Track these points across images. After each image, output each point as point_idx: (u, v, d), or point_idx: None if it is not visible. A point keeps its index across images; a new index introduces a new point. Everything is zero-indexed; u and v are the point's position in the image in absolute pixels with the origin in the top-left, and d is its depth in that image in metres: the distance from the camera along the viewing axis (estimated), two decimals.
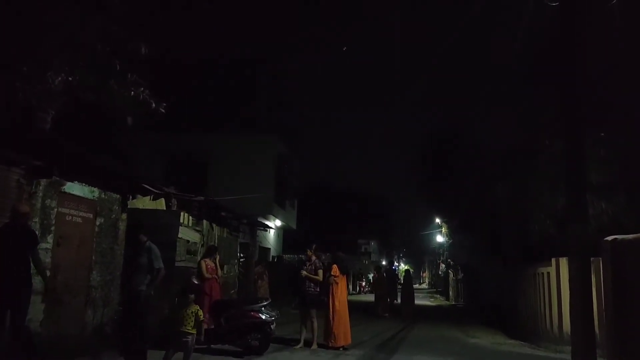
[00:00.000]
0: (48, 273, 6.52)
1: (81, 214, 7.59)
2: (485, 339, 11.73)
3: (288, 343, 9.20)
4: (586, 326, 5.62)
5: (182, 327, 6.08)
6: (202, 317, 6.28)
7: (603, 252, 5.13)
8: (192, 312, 6.16)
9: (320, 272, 9.25)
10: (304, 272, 9.21)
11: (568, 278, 6.18)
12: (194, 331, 6.14)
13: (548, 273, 10.70)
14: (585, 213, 6.04)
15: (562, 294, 9.91)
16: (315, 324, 9.08)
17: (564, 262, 9.80)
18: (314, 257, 9.40)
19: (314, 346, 8.92)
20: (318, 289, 9.19)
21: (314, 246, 9.62)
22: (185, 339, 6.08)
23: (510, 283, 13.93)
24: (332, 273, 9.47)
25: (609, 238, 5.07)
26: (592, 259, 6.04)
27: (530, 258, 12.08)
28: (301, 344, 8.98)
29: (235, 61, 18.86)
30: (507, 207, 14.71)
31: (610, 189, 10.84)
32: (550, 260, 10.49)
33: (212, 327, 8.04)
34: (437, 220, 37.36)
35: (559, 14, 6.14)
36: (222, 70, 18.56)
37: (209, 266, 9.00)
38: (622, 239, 4.84)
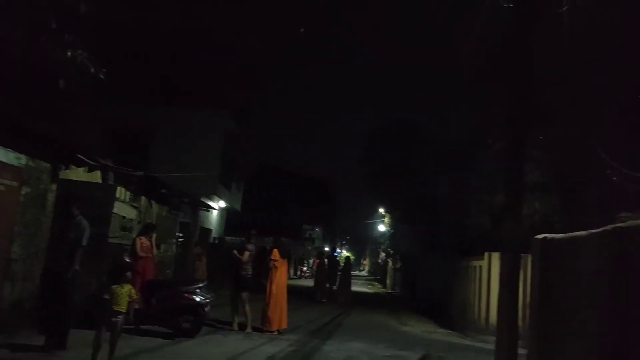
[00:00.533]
0: None
1: (4, 181, 7.02)
2: (417, 327, 12.08)
3: (223, 326, 9.07)
4: (511, 318, 5.85)
5: (116, 305, 5.79)
6: (135, 296, 6.02)
7: (533, 250, 5.32)
8: (125, 291, 5.88)
9: (247, 253, 9.23)
10: (235, 251, 9.33)
11: (499, 272, 6.40)
12: (125, 310, 5.87)
13: (480, 266, 11.11)
14: (520, 211, 6.24)
15: (491, 287, 10.34)
16: (247, 308, 8.97)
17: (495, 257, 10.21)
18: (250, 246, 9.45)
19: (248, 329, 8.84)
20: (251, 273, 9.15)
21: (252, 232, 9.62)
22: (115, 319, 5.80)
23: (445, 274, 14.40)
24: (272, 257, 9.42)
25: (540, 236, 5.25)
26: (522, 255, 6.28)
27: (465, 251, 12.51)
28: (235, 328, 8.88)
29: (186, 33, 18.13)
30: (447, 201, 15.17)
31: (544, 190, 11.37)
32: (484, 255, 10.90)
33: (143, 307, 7.76)
34: (381, 210, 38.20)
35: (510, 27, 6.25)
36: (172, 41, 17.80)
37: (143, 244, 8.67)
38: (552, 238, 5.02)
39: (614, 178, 6.27)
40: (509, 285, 5.88)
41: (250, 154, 22.64)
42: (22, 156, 7.26)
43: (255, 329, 8.94)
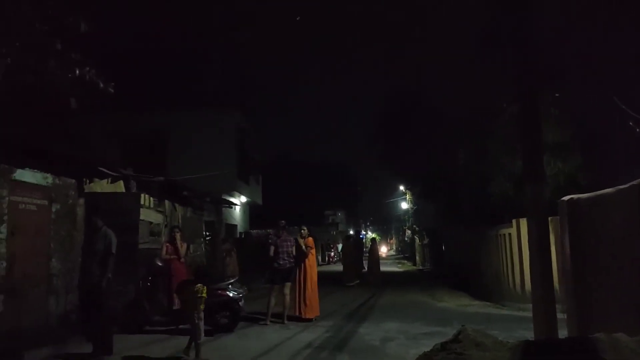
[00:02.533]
0: (4, 264, 6.32)
1: (35, 201, 7.27)
2: (452, 302, 11.99)
3: (259, 318, 9.21)
4: (546, 283, 5.79)
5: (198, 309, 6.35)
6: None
7: (560, 212, 5.27)
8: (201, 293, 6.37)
9: (272, 248, 9.21)
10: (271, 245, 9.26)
11: (527, 238, 6.34)
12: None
13: (509, 234, 11.02)
14: (541, 173, 6.12)
15: (523, 253, 10.24)
16: (288, 298, 9.08)
17: (524, 223, 10.07)
18: (285, 233, 9.47)
19: (285, 320, 8.95)
20: (282, 264, 9.14)
21: (281, 222, 9.61)
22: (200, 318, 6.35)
23: (473, 245, 14.32)
24: (309, 244, 9.57)
25: (566, 198, 5.19)
26: (550, 218, 6.20)
27: (491, 220, 12.39)
28: (270, 318, 8.95)
29: (189, 34, 18.20)
30: (466, 170, 15.01)
31: (566, 149, 11.15)
32: (511, 222, 10.80)
33: (180, 308, 7.96)
34: (401, 187, 38.06)
35: None
36: (175, 44, 17.91)
37: (168, 247, 8.95)
38: (578, 199, 4.98)
39: (638, 129, 6.11)
40: (539, 250, 5.81)
41: (263, 148, 22.78)
42: (49, 175, 7.48)
43: (289, 318, 9.04)
